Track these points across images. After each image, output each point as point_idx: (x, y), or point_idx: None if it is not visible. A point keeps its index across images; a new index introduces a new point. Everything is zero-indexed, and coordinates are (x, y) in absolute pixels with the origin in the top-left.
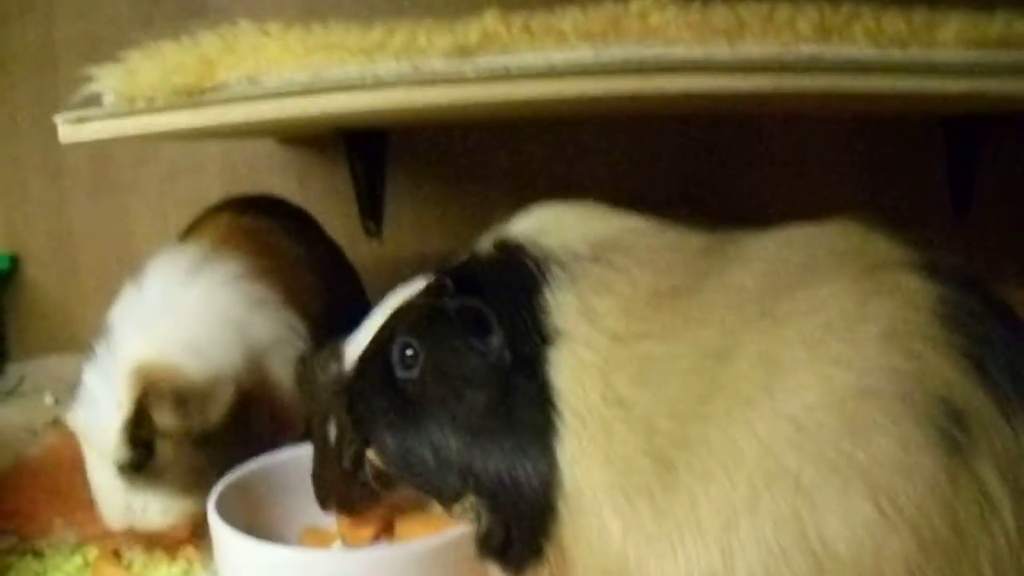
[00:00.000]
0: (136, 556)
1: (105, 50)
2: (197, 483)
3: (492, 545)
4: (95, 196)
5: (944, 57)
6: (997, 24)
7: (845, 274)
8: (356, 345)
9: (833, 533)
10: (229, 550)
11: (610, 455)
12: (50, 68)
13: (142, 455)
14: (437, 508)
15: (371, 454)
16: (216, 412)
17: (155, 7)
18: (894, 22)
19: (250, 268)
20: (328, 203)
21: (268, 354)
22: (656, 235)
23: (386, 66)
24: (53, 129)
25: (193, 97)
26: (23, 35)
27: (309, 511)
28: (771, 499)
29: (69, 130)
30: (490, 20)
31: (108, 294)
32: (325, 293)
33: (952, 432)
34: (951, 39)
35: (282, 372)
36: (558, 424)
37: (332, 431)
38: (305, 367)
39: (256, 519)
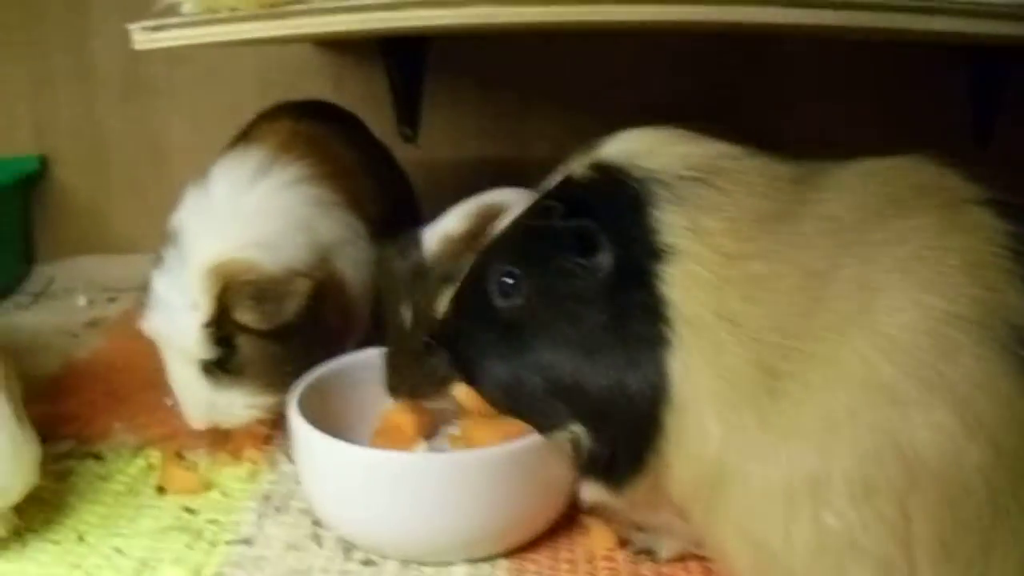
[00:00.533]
0: (200, 458)
1: None
2: (277, 378)
3: (598, 465)
4: (126, 98)
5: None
6: None
7: (927, 208)
8: (433, 233)
9: (922, 442)
10: (312, 450)
11: (718, 366)
12: None
13: (225, 352)
14: None
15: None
16: (293, 306)
17: None
18: None
19: (313, 172)
20: (364, 108)
21: (334, 253)
22: (748, 160)
23: None
24: (83, 29)
25: (276, 7)
26: None
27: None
28: (868, 408)
29: (144, 37)
30: None
31: (138, 196)
32: (382, 197)
33: None
34: None
35: (348, 271)
36: (670, 336)
37: (407, 316)
38: (383, 254)
39: (333, 418)
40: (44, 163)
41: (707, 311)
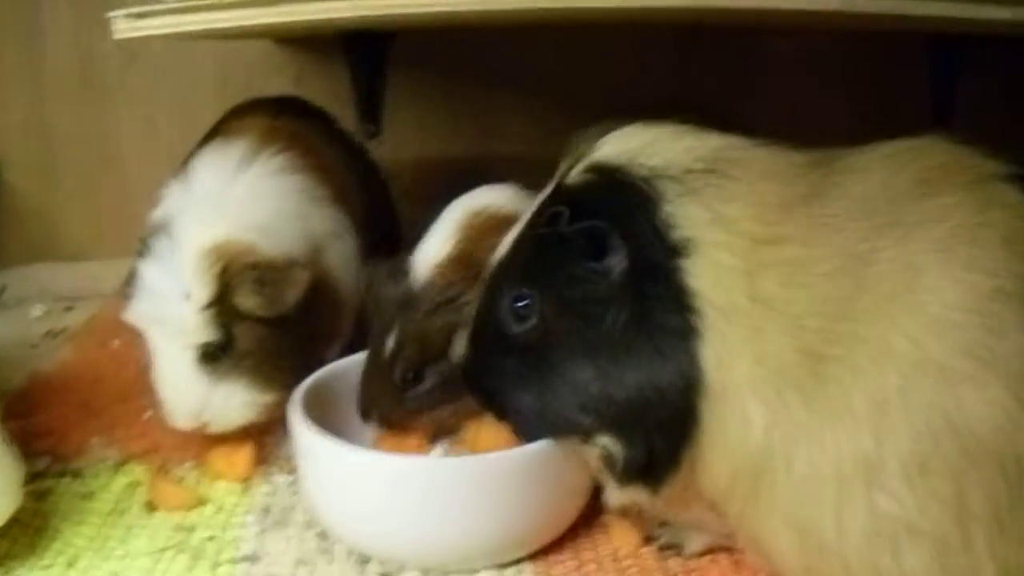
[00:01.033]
0: (187, 472)
1: None
2: (273, 374)
3: (634, 471)
4: (78, 98)
5: None
6: None
7: (956, 186)
8: (423, 259)
9: (975, 418)
10: (323, 459)
11: (759, 353)
12: None
13: (223, 336)
14: None
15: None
16: (293, 295)
17: None
18: None
19: (300, 164)
20: (326, 106)
21: (326, 248)
22: (755, 149)
23: None
24: (34, 26)
25: None
26: None
27: None
28: (920, 388)
29: (126, 25)
30: None
31: (91, 201)
32: (364, 195)
33: None
34: None
35: (338, 268)
36: (700, 326)
37: (390, 344)
38: (374, 277)
39: (331, 424)
40: None
41: (741, 297)
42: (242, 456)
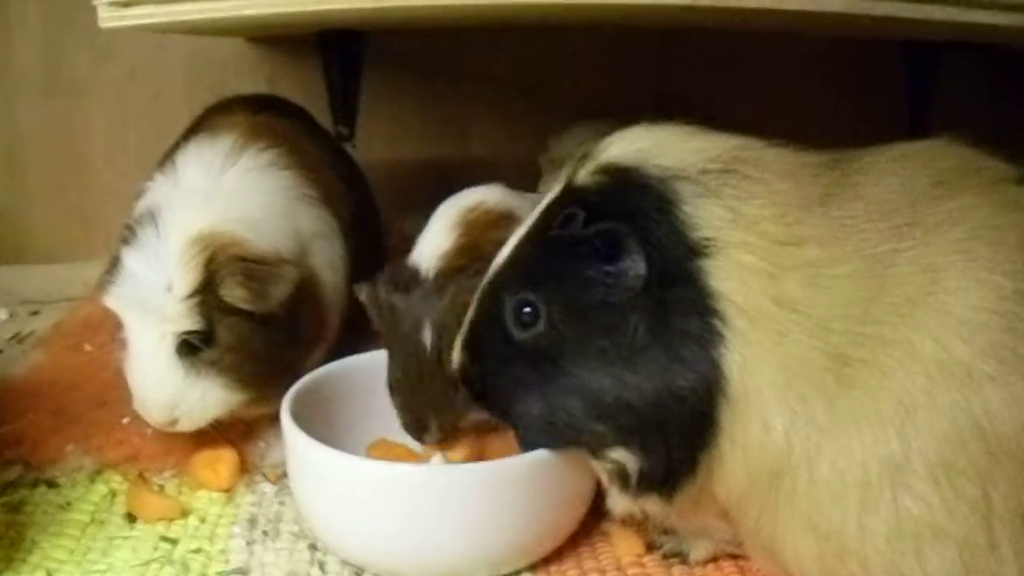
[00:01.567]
0: (167, 482)
1: None
2: (251, 373)
3: (651, 481)
4: (46, 96)
5: None
6: None
7: (973, 188)
8: (425, 250)
9: (1001, 417)
10: (319, 467)
11: (783, 356)
12: None
13: (204, 328)
14: None
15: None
16: (279, 292)
17: None
18: None
19: (285, 161)
20: None
21: (312, 248)
22: (768, 149)
23: None
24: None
25: None
26: None
27: (377, 423)
28: (946, 389)
29: (111, 14)
30: None
31: (59, 202)
32: (348, 195)
33: None
34: None
35: (324, 270)
36: (723, 330)
37: (428, 344)
38: (373, 294)
39: (322, 429)
40: None
41: (765, 300)
42: (225, 464)
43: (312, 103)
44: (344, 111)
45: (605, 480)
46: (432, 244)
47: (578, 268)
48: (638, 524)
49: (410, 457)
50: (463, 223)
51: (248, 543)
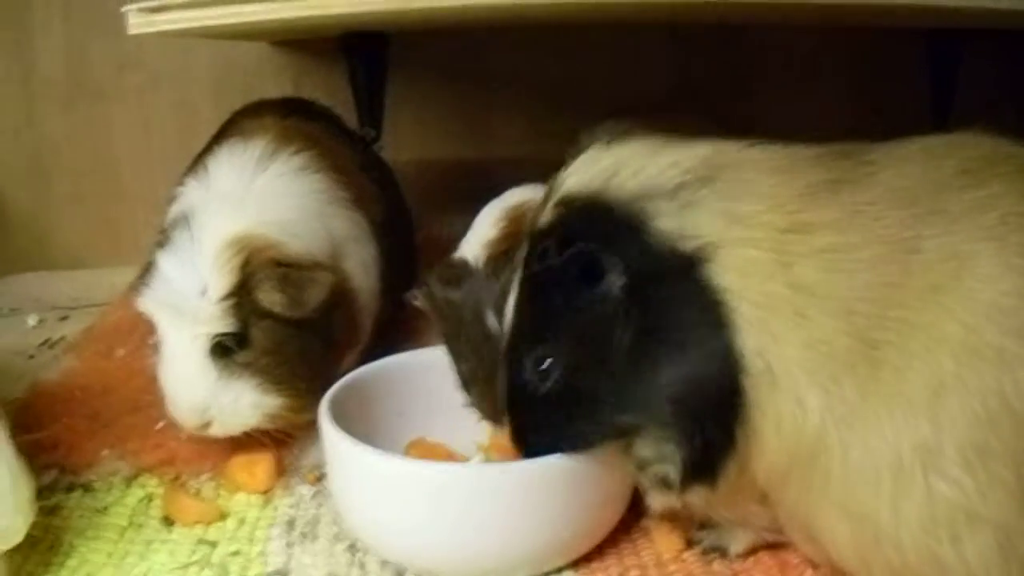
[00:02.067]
0: (203, 485)
1: None
2: (285, 379)
3: (694, 469)
4: (71, 104)
5: None
6: None
7: (1001, 176)
8: (470, 244)
9: None
10: (361, 468)
11: (807, 338)
12: None
13: (239, 331)
14: None
15: None
16: (315, 296)
17: None
18: None
19: (319, 165)
20: None
21: (346, 252)
22: (748, 149)
23: None
24: (25, 28)
25: None
26: None
27: (415, 423)
28: (977, 372)
29: (140, 20)
30: None
31: (83, 209)
32: (381, 197)
33: None
34: None
35: (359, 273)
36: (731, 318)
37: (491, 321)
38: (427, 296)
39: (360, 430)
40: None
41: (778, 286)
42: (263, 467)
43: (338, 106)
44: (370, 113)
45: (647, 486)
46: (477, 236)
47: (564, 299)
48: (678, 520)
49: (449, 457)
50: (507, 218)
51: (287, 545)
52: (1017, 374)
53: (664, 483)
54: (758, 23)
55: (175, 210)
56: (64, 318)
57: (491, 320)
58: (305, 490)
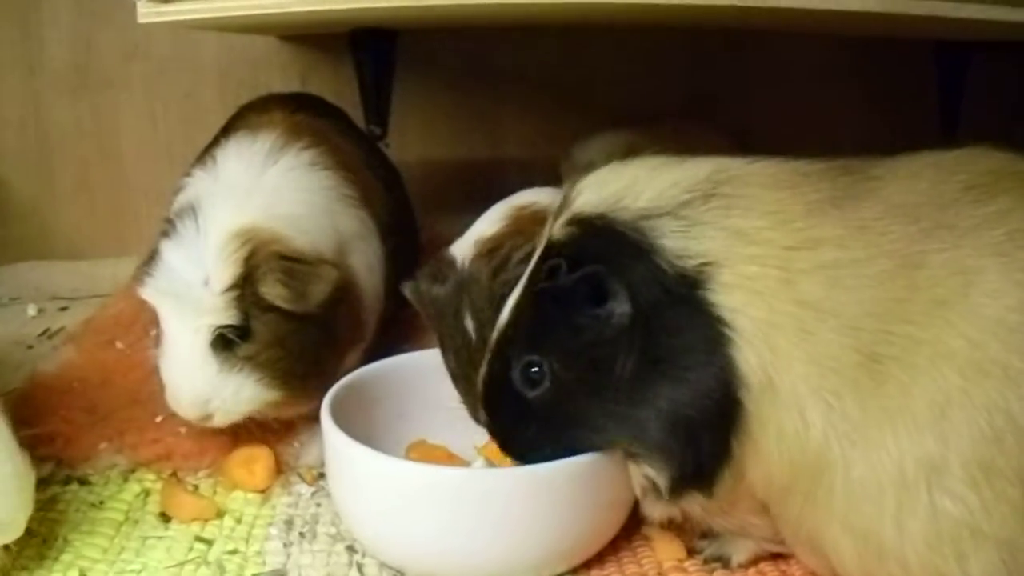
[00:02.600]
0: (201, 481)
1: None
2: (286, 373)
3: (685, 478)
4: (77, 92)
5: None
6: None
7: (1008, 191)
8: (466, 241)
9: None
10: (363, 470)
11: (812, 354)
12: None
13: (241, 323)
14: None
15: None
16: (319, 292)
17: None
18: None
19: (326, 161)
20: None
21: (351, 249)
22: (751, 165)
23: None
24: (33, 16)
25: None
26: None
27: (416, 424)
28: (982, 388)
29: (150, 9)
30: None
31: (87, 198)
32: (386, 195)
33: None
34: None
35: (363, 271)
36: (729, 333)
37: (468, 323)
38: (415, 290)
39: (362, 430)
40: None
41: (782, 303)
42: (261, 465)
43: (344, 102)
44: (377, 110)
45: (639, 490)
46: (473, 234)
47: (568, 317)
48: (679, 528)
49: (450, 459)
50: (509, 218)
51: (285, 544)
52: (1021, 387)
53: (655, 489)
54: (766, 30)
55: (181, 199)
56: (64, 308)
57: (467, 323)
58: (304, 489)
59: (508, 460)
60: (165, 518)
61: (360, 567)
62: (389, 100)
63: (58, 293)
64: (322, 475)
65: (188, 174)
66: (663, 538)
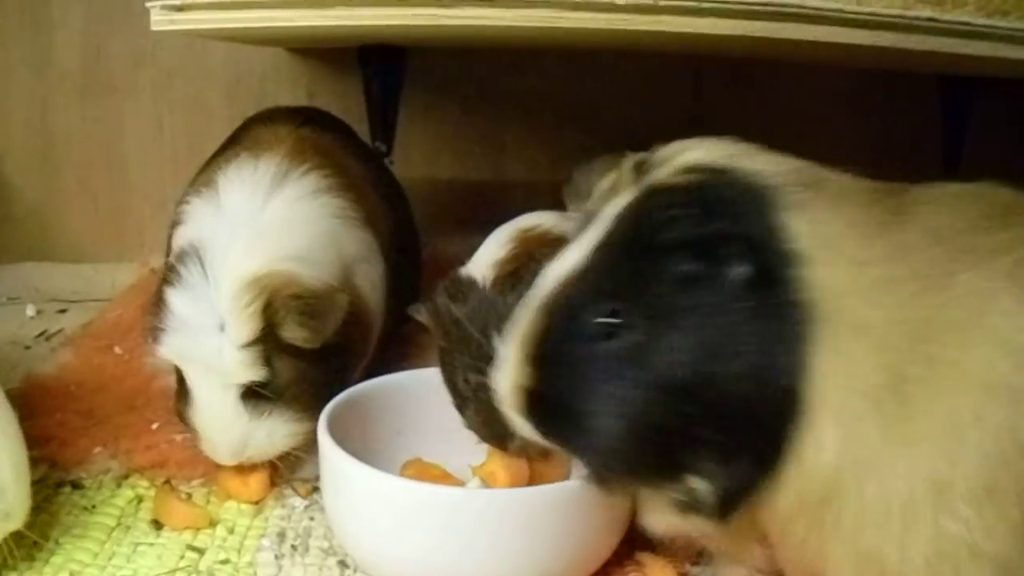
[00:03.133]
0: (194, 490)
1: None
2: (313, 402)
3: (731, 500)
4: (84, 96)
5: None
6: None
7: (1019, 223)
8: (482, 262)
9: None
10: (360, 488)
11: (848, 374)
12: None
13: (267, 375)
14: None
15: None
16: (334, 323)
17: None
18: None
19: (330, 183)
20: None
21: (356, 271)
22: (829, 171)
23: None
24: (43, 19)
25: None
26: None
27: (411, 442)
28: (992, 409)
29: (163, 17)
30: None
31: (90, 202)
32: (389, 213)
33: None
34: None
35: (368, 291)
36: (811, 341)
37: (496, 341)
38: (433, 309)
39: (357, 447)
40: None
41: (843, 315)
42: (256, 477)
43: (350, 117)
44: (382, 127)
45: (674, 512)
46: (486, 254)
47: (678, 272)
48: (672, 551)
49: (446, 478)
50: (517, 240)
51: (276, 557)
52: None
53: (693, 507)
54: (770, 59)
55: (183, 236)
56: (63, 311)
57: (496, 340)
58: (297, 502)
59: (503, 481)
60: (157, 525)
61: None
62: (395, 117)
63: (58, 295)
64: (316, 488)
65: (186, 201)
66: (655, 563)
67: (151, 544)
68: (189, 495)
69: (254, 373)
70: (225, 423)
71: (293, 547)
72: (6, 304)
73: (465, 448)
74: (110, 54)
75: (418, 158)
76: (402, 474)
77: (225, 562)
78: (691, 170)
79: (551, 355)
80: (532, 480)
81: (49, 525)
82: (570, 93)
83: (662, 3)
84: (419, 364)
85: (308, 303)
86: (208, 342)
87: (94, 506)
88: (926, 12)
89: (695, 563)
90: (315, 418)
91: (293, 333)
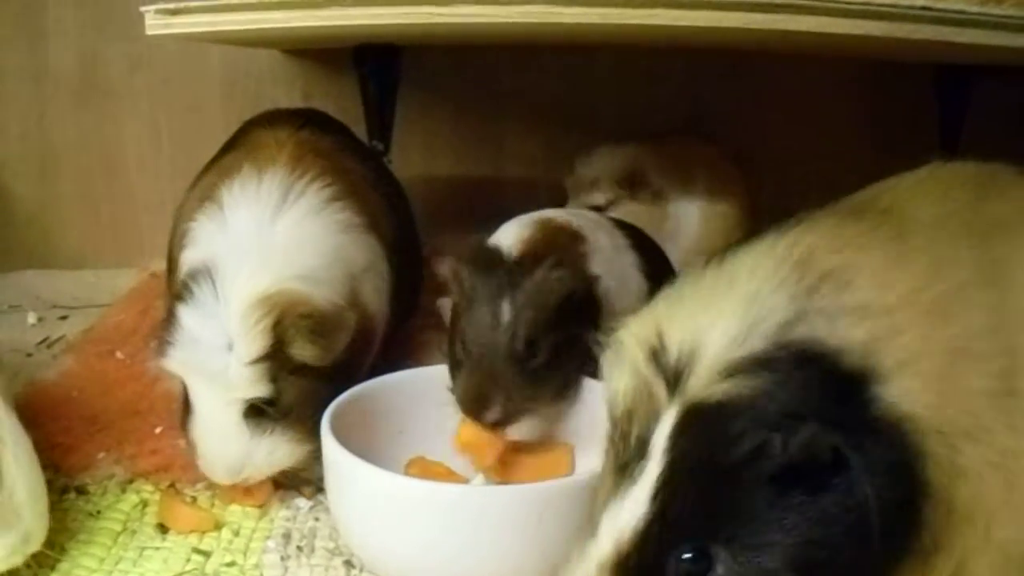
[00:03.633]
0: (199, 493)
1: None
2: (314, 423)
3: None
4: (81, 102)
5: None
6: None
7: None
8: (507, 238)
9: None
10: (365, 487)
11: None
12: None
13: (273, 393)
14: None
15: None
16: (342, 340)
17: None
18: None
19: (334, 193)
20: None
21: (362, 281)
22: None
23: None
24: (37, 26)
25: None
26: None
27: (414, 441)
28: None
29: (158, 22)
30: None
31: (89, 208)
32: (392, 215)
33: None
34: None
35: (372, 300)
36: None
37: (505, 318)
38: (455, 269)
39: (360, 446)
40: None
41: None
42: (258, 484)
43: (347, 117)
44: (380, 126)
45: None
46: (513, 231)
47: (776, 500)
48: None
49: (449, 476)
50: (540, 226)
51: (282, 558)
52: None
53: None
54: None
55: (192, 257)
56: (64, 317)
57: (504, 312)
58: (302, 503)
59: (507, 478)
60: (163, 529)
61: None
62: (392, 116)
63: (59, 302)
64: (321, 489)
65: (193, 219)
66: None
67: (157, 548)
68: (194, 498)
69: (259, 389)
70: (225, 440)
71: (299, 548)
72: (7, 312)
73: None
74: (106, 60)
75: (415, 157)
76: (406, 473)
77: (231, 564)
78: (732, 371)
79: None
80: (534, 476)
81: (55, 531)
82: (567, 89)
83: None
84: (422, 363)
85: (315, 322)
86: (215, 358)
87: (99, 511)
88: (920, 1)
89: None
90: (316, 439)
91: (303, 351)
